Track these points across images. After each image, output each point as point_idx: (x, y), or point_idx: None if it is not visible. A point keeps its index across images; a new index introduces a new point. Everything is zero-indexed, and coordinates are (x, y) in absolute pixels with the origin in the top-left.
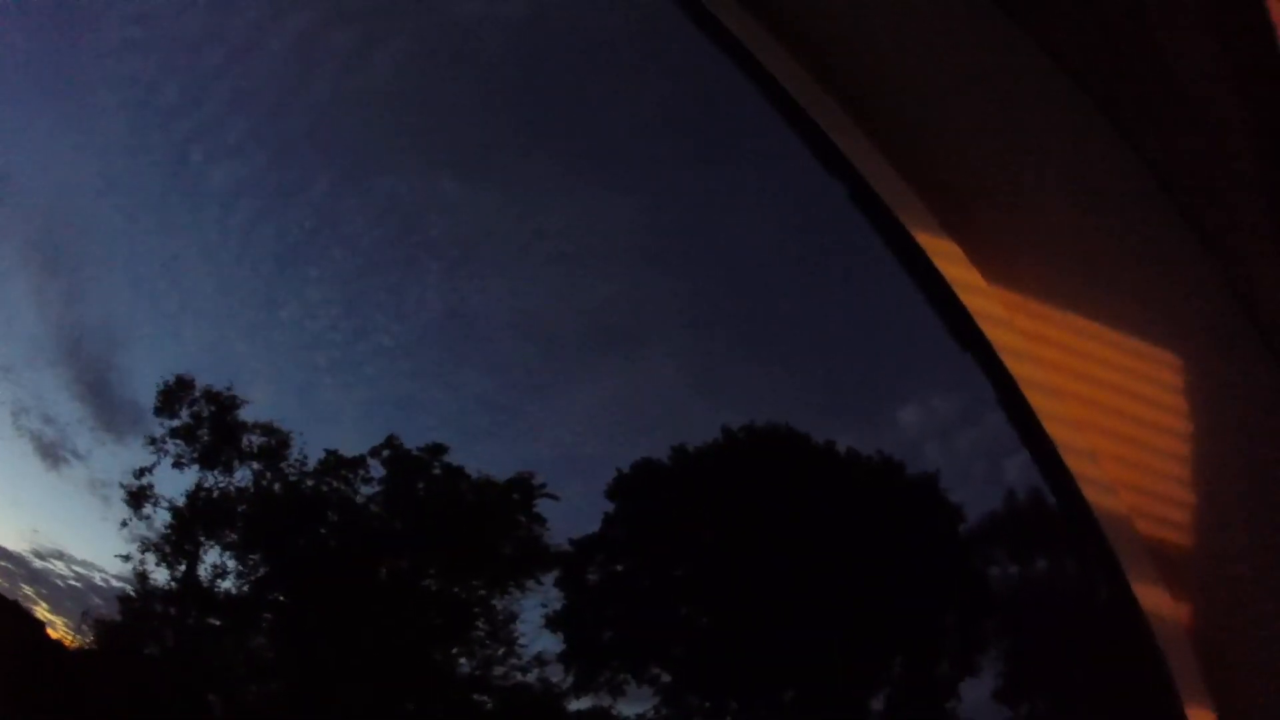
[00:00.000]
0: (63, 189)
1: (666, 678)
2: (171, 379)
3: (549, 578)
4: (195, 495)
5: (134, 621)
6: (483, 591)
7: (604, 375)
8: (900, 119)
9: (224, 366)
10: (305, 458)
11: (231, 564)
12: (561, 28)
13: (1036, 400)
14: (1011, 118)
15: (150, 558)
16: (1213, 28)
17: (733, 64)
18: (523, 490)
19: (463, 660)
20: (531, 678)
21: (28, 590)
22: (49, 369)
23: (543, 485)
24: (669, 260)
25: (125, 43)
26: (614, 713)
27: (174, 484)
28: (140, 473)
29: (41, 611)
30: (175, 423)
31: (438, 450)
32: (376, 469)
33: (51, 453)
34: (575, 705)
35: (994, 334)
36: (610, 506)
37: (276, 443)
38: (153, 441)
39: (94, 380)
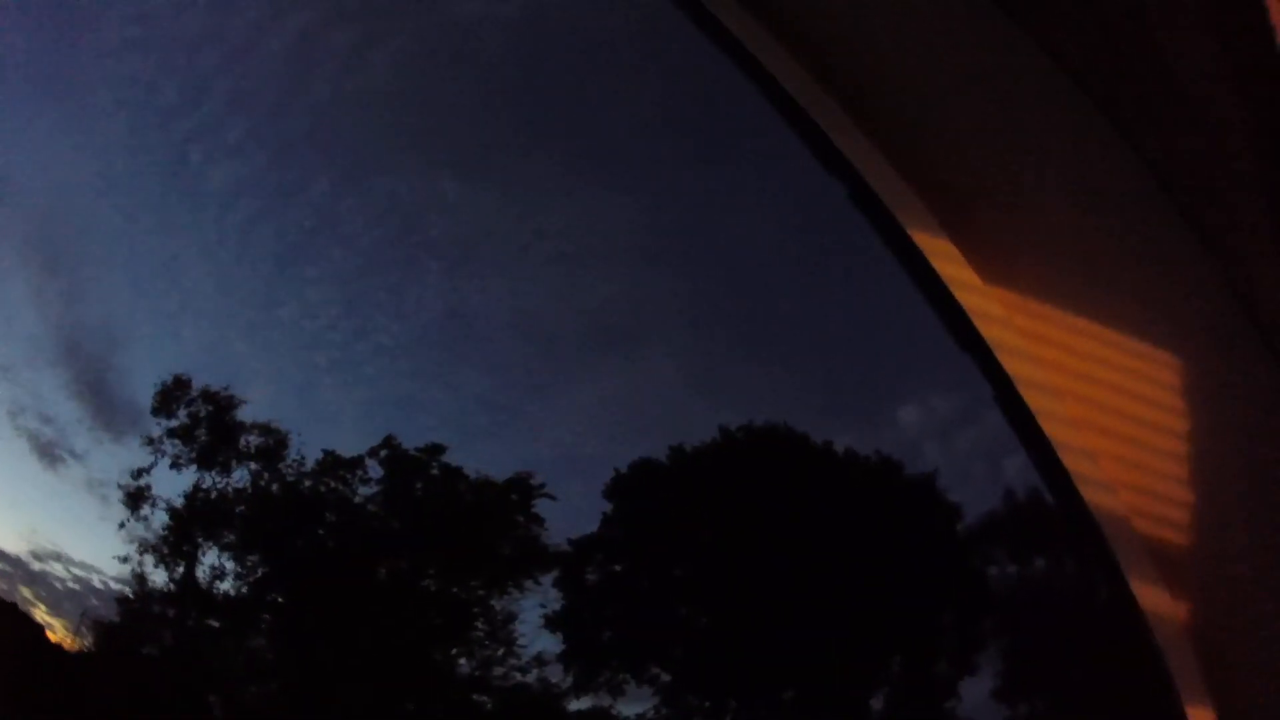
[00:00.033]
0: (63, 189)
1: (666, 678)
2: (170, 379)
3: (548, 578)
4: (193, 496)
5: (133, 622)
6: (482, 592)
7: (603, 375)
8: (900, 119)
9: (223, 366)
10: (304, 458)
11: (230, 565)
12: (561, 28)
13: (1035, 400)
14: (1011, 118)
15: (149, 558)
16: (1213, 28)
17: (733, 64)
18: (521, 490)
19: (462, 660)
20: (531, 678)
21: (26, 593)
22: (48, 368)
23: (542, 485)
24: (669, 260)
25: (125, 43)
26: (614, 713)
27: (172, 484)
28: (138, 473)
29: (40, 614)
30: (173, 423)
31: (437, 450)
32: (375, 469)
33: (49, 452)
34: (575, 705)
35: (993, 334)
36: (609, 507)
37: (275, 443)
38: (151, 441)
39: (92, 380)
